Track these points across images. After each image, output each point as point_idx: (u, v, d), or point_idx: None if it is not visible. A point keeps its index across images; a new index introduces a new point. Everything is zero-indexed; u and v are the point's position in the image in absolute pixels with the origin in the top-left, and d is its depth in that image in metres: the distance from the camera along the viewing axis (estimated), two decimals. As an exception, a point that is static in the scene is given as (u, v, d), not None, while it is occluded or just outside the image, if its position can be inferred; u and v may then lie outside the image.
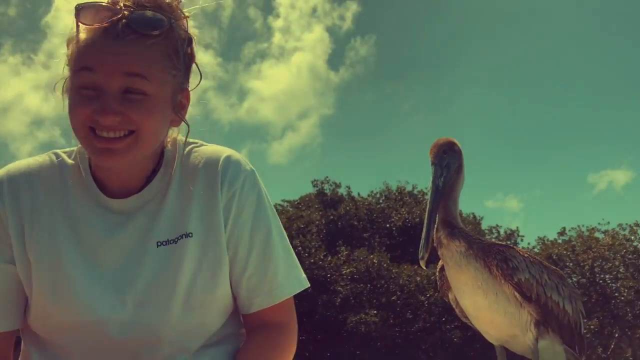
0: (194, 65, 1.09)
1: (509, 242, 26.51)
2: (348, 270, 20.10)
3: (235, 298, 1.14)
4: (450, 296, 2.27)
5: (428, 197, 2.14)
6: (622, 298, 23.37)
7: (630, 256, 24.05)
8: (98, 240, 1.06)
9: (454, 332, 19.18)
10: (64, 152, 1.13)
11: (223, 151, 1.14)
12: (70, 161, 1.11)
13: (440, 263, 2.23)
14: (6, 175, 1.08)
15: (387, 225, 22.91)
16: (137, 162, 1.06)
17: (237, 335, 1.18)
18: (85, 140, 1.00)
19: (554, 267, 2.22)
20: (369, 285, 20.08)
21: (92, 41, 0.96)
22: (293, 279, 1.16)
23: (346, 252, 20.69)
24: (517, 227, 26.47)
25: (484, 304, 2.08)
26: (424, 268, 2.29)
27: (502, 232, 25.15)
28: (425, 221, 2.10)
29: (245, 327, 1.18)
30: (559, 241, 23.95)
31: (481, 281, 2.05)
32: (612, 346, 25.89)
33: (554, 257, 22.51)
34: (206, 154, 1.13)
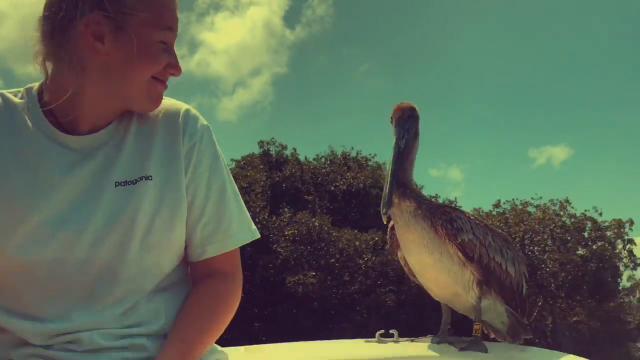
0: None
1: (446, 212, 27.21)
2: (290, 231, 20.30)
3: (187, 245, 1.17)
4: (399, 254, 2.36)
5: (390, 157, 2.20)
6: (548, 269, 24.62)
7: (558, 230, 25.32)
8: (53, 178, 1.05)
9: (387, 295, 19.78)
10: (10, 92, 1.13)
11: (182, 105, 1.19)
12: (18, 100, 1.11)
13: (391, 223, 2.29)
14: None
15: (331, 189, 23.15)
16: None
17: (186, 282, 1.22)
18: (147, 85, 1.09)
19: (500, 231, 2.30)
20: (309, 247, 20.38)
21: (172, 5, 1.10)
22: (245, 229, 1.21)
23: (289, 214, 20.84)
24: (455, 198, 27.36)
25: (429, 262, 2.14)
26: (385, 223, 2.28)
27: (440, 201, 25.95)
28: (388, 179, 2.15)
29: (192, 275, 1.22)
30: (494, 213, 24.91)
31: (427, 240, 2.10)
32: (535, 314, 27.47)
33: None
34: (165, 105, 1.17)
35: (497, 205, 25.32)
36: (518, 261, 2.28)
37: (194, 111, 1.20)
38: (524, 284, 2.30)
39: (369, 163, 25.19)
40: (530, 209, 25.40)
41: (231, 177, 1.23)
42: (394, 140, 2.19)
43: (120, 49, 1.05)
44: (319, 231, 20.31)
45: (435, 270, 2.14)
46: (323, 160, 24.77)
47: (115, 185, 1.07)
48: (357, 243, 20.47)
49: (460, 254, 2.10)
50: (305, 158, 24.37)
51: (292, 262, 20.06)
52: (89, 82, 1.06)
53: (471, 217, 2.20)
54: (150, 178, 1.09)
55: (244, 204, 1.24)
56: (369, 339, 2.17)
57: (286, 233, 20.38)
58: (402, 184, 2.15)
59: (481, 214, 28.46)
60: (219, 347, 1.24)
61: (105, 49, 1.04)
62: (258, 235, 1.24)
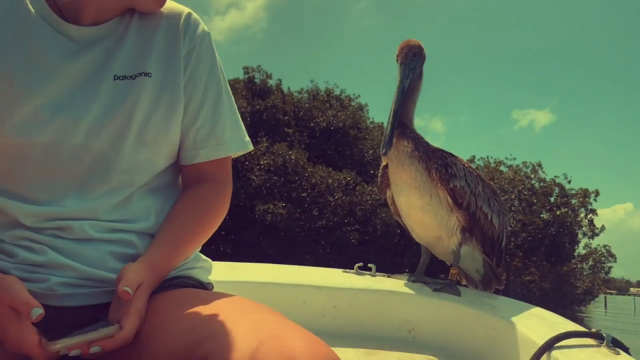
0: None
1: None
2: (265, 161, 20.35)
3: (180, 147, 1.17)
4: (388, 193, 2.33)
5: (394, 96, 2.14)
6: (509, 228, 25.44)
7: (526, 192, 25.89)
8: (52, 65, 1.05)
9: (352, 234, 20.21)
10: None
11: (184, 9, 1.18)
12: None
13: (384, 162, 2.29)
14: None
15: (311, 125, 23.10)
16: None
17: (178, 186, 1.22)
18: None
19: (490, 182, 2.29)
20: (282, 179, 20.52)
21: None
22: (239, 139, 1.21)
23: (266, 144, 20.82)
24: (432, 149, 27.54)
25: (417, 204, 2.14)
26: (385, 163, 2.26)
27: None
28: (390, 119, 2.10)
29: (183, 179, 1.22)
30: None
31: (419, 182, 2.09)
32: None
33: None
34: (168, 7, 1.16)
35: (471, 160, 25.67)
36: (503, 213, 2.29)
37: (195, 15, 1.18)
38: (504, 237, 2.32)
39: (352, 103, 25.08)
40: (503, 168, 25.86)
41: (228, 87, 1.22)
42: (398, 79, 2.14)
43: None
44: (294, 165, 20.41)
45: (423, 212, 2.15)
46: (306, 94, 24.54)
47: (114, 79, 1.07)
48: (330, 180, 20.67)
49: (449, 199, 2.10)
50: (289, 89, 24.13)
51: (264, 191, 20.22)
52: None
53: (466, 165, 2.19)
54: (149, 75, 1.09)
55: (239, 116, 1.23)
56: (347, 270, 2.21)
57: (261, 162, 20.43)
58: (402, 123, 2.12)
59: (455, 167, 28.87)
60: (203, 256, 1.24)
61: None
62: (251, 148, 1.24)
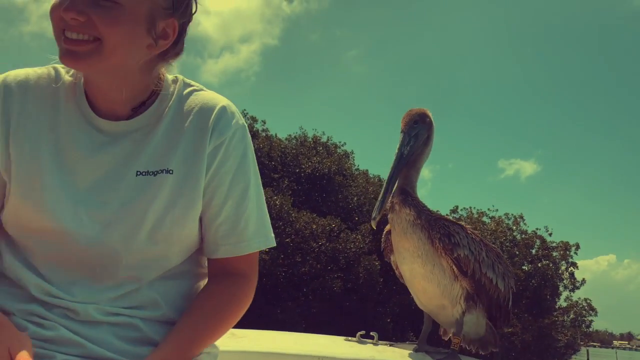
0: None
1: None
2: (250, 205, 20.30)
3: (202, 239, 1.16)
4: (392, 258, 2.33)
5: (392, 162, 2.14)
6: (514, 288, 25.48)
7: (508, 244, 26.03)
8: (79, 156, 1.07)
9: (335, 281, 20.09)
10: (64, 68, 1.15)
11: (221, 100, 1.15)
12: (67, 77, 1.13)
13: (387, 227, 2.28)
14: (4, 78, 1.10)
15: (297, 171, 23.29)
16: (118, 82, 1.07)
17: (194, 273, 1.21)
18: (56, 40, 1.01)
19: (492, 246, 2.28)
20: (266, 224, 20.44)
21: None
22: (261, 235, 1.18)
23: (251, 188, 20.80)
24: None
25: (420, 272, 2.14)
26: (374, 228, 2.24)
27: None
28: (385, 185, 2.12)
29: (209, 269, 1.21)
30: (450, 217, 25.41)
31: (422, 251, 2.09)
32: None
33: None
34: (204, 99, 1.14)
35: (454, 210, 25.87)
36: (507, 276, 2.30)
37: (231, 108, 1.15)
38: (510, 298, 2.33)
39: (338, 150, 25.38)
40: (485, 219, 26.04)
41: (258, 179, 1.19)
42: (398, 146, 2.15)
43: None
44: (279, 210, 20.44)
45: (426, 280, 2.14)
46: (294, 141, 24.85)
47: (136, 174, 1.07)
48: (314, 226, 20.69)
49: (454, 268, 2.09)
50: (275, 135, 24.43)
51: (247, 235, 20.07)
52: None
53: (469, 232, 2.19)
54: (171, 172, 1.08)
55: (265, 209, 1.21)
56: (349, 338, 2.17)
57: (246, 206, 20.35)
58: (404, 190, 2.13)
59: (438, 216, 29.06)
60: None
61: None
62: (273, 244, 1.21)
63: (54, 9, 1.00)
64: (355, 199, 23.67)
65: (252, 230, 1.16)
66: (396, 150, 2.16)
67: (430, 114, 2.23)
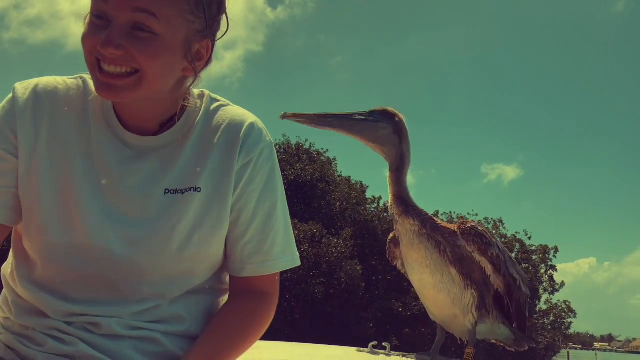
0: (223, 17, 1.07)
1: (386, 215, 28.08)
2: (233, 213, 20.33)
3: (227, 257, 1.15)
4: (398, 265, 2.35)
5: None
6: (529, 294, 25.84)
7: (488, 248, 26.39)
8: (109, 170, 1.05)
9: (317, 287, 20.26)
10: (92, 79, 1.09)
11: (249, 117, 1.14)
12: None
13: (392, 234, 2.30)
14: (34, 86, 1.08)
15: (279, 178, 23.36)
16: (150, 103, 1.06)
17: (216, 289, 1.19)
18: (91, 72, 0.99)
19: (506, 249, 2.26)
20: (249, 230, 20.48)
21: None
22: (287, 255, 1.17)
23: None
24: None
25: (429, 282, 2.12)
26: (281, 117, 2.16)
27: (381, 204, 26.65)
28: (328, 115, 2.16)
29: (230, 286, 1.19)
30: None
31: (430, 261, 2.08)
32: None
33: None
34: (231, 115, 1.12)
35: (435, 215, 26.11)
36: (525, 280, 2.30)
37: (259, 125, 1.14)
38: (527, 303, 2.32)
39: (321, 157, 25.61)
40: (465, 224, 26.33)
41: (284, 198, 1.18)
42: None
43: None
44: (261, 216, 20.51)
45: (436, 290, 2.14)
46: (277, 148, 25.03)
47: (165, 192, 1.06)
48: (297, 232, 20.85)
49: (461, 277, 2.08)
50: (259, 142, 24.52)
51: (230, 242, 20.11)
52: None
53: (492, 234, 2.18)
54: (199, 190, 1.07)
55: (291, 228, 1.20)
56: (361, 349, 2.17)
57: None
58: (403, 200, 2.13)
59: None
60: None
61: None
62: (298, 264, 1.20)
63: (86, 38, 0.97)
64: (338, 204, 23.90)
65: (279, 249, 1.15)
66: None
67: (401, 116, 2.24)
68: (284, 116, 2.10)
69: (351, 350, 2.16)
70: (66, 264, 1.05)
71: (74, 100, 1.09)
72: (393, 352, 2.14)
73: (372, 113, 2.19)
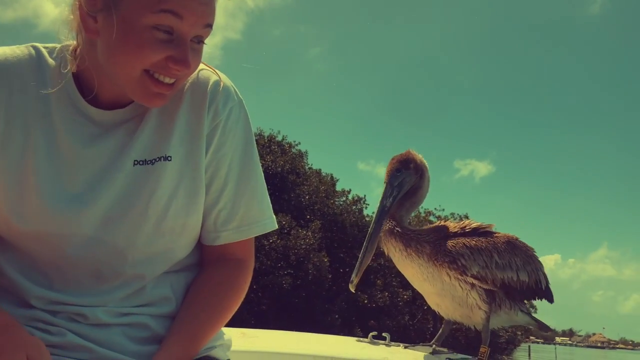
0: None
1: (354, 207, 28.40)
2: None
3: (201, 229, 1.10)
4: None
5: (374, 215, 2.06)
6: (543, 269, 26.34)
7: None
8: (72, 149, 0.99)
9: (284, 278, 20.39)
10: (45, 48, 1.03)
11: (212, 76, 1.07)
12: (51, 61, 1.01)
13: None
14: None
15: (249, 169, 23.35)
16: None
17: (198, 265, 1.14)
18: (137, 81, 0.93)
19: (502, 239, 2.19)
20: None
21: None
22: (263, 218, 1.12)
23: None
24: (365, 195, 28.55)
25: (432, 291, 2.10)
26: (353, 291, 2.14)
27: (350, 197, 26.95)
28: (365, 244, 2.03)
29: (204, 255, 1.13)
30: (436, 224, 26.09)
31: (426, 275, 2.07)
32: (419, 316, 29.00)
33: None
34: (195, 75, 1.05)
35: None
36: (528, 262, 2.22)
37: (225, 83, 1.07)
38: (542, 278, 2.25)
39: (292, 150, 25.74)
40: (432, 218, 26.86)
41: (257, 160, 1.12)
42: (380, 199, 2.06)
43: (107, 31, 0.92)
44: (230, 207, 20.54)
45: (440, 297, 2.12)
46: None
47: (134, 164, 1.00)
48: (265, 224, 20.88)
49: (462, 283, 2.05)
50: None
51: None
52: (99, 59, 0.96)
53: (472, 245, 2.10)
54: (169, 158, 1.01)
55: (266, 190, 1.14)
56: (361, 339, 2.16)
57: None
58: (393, 217, 2.06)
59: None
60: (224, 332, 1.18)
61: (96, 27, 0.93)
62: (275, 227, 1.15)
63: (150, 52, 0.91)
64: (307, 197, 24.07)
65: (254, 213, 1.11)
66: (378, 204, 2.08)
67: (417, 157, 2.15)
68: (355, 288, 2.06)
69: (350, 340, 2.15)
70: (43, 252, 1.01)
71: (27, 73, 0.99)
72: (392, 342, 2.12)
73: (394, 177, 2.11)
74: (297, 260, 21.14)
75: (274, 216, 1.16)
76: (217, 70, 1.09)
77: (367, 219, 29.01)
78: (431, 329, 28.56)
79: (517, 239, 2.25)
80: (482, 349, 2.07)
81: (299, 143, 26.21)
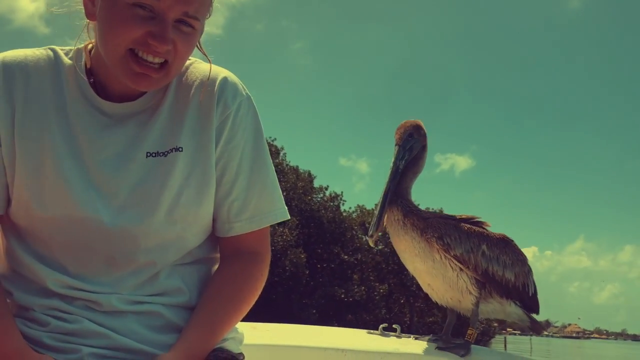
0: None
1: (332, 204, 28.61)
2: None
3: (214, 219, 1.13)
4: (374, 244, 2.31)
5: (388, 175, 2.13)
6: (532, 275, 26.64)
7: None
8: (88, 140, 1.04)
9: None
10: (62, 50, 1.10)
11: (221, 71, 1.12)
12: (67, 60, 1.08)
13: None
14: (2, 62, 1.05)
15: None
16: None
17: (212, 259, 1.18)
18: (120, 60, 0.98)
19: (496, 235, 2.21)
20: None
21: None
22: (275, 208, 1.15)
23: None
24: (342, 192, 28.80)
25: (422, 269, 2.11)
26: (372, 246, 2.34)
27: (327, 193, 27.19)
28: (380, 200, 2.09)
29: (220, 249, 1.17)
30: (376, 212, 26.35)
31: (418, 249, 2.08)
32: (396, 310, 29.34)
33: (367, 224, 24.88)
34: (204, 72, 1.11)
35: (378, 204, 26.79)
36: (517, 264, 2.22)
37: (234, 79, 1.13)
38: (530, 283, 2.26)
39: (282, 151, 25.84)
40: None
41: (267, 152, 1.17)
42: (392, 160, 2.14)
43: (101, 11, 0.98)
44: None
45: (430, 276, 2.13)
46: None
47: (147, 156, 1.05)
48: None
49: (451, 263, 2.07)
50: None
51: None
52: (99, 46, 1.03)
53: (464, 228, 2.13)
54: (180, 149, 1.06)
55: (277, 182, 1.18)
56: (372, 331, 2.17)
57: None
58: (396, 191, 2.11)
59: (363, 210, 30.14)
60: (238, 326, 1.20)
61: (94, 10, 1.00)
62: (287, 217, 1.18)
63: (128, 26, 0.96)
64: (285, 194, 24.18)
65: (266, 203, 1.14)
66: (391, 164, 2.15)
67: (423, 126, 2.23)
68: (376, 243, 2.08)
69: (361, 332, 2.15)
70: (59, 237, 1.04)
71: (45, 71, 1.06)
72: (403, 334, 2.12)
73: (406, 141, 2.16)
74: (275, 257, 21.30)
75: (286, 207, 1.19)
76: (225, 70, 1.15)
77: (344, 215, 29.25)
78: (408, 322, 28.90)
79: (513, 240, 2.28)
80: (469, 331, 2.08)
81: (275, 139, 26.34)
